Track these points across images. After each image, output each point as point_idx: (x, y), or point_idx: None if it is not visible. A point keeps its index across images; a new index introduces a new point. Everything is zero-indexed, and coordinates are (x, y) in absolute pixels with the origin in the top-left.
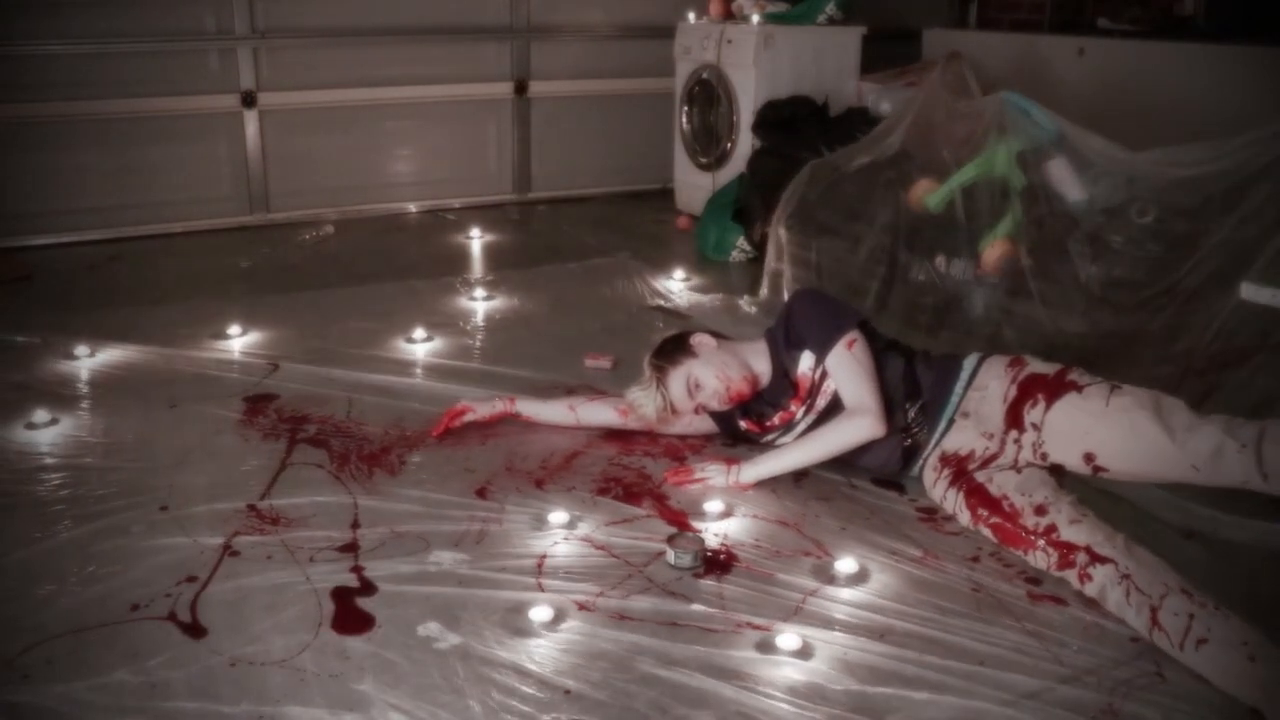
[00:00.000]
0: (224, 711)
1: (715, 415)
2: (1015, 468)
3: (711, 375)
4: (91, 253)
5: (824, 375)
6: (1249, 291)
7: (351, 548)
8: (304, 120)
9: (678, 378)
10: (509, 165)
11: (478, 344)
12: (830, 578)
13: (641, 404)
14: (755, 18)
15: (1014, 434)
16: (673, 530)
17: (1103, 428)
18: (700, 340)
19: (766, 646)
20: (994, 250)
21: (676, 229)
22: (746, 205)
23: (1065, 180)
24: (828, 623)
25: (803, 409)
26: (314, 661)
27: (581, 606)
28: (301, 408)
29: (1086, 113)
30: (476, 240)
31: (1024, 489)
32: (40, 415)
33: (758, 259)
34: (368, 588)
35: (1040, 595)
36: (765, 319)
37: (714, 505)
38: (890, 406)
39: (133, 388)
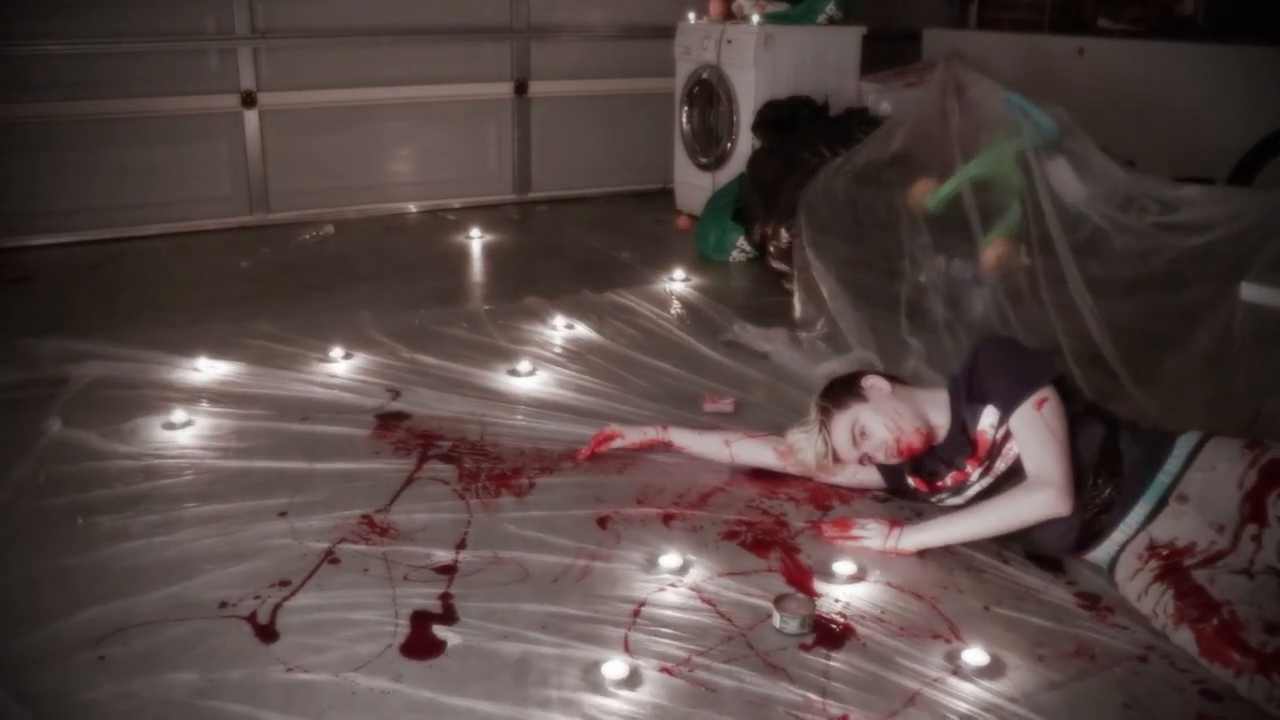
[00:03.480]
0: (267, 717)
1: (882, 467)
2: (1249, 571)
3: (880, 424)
4: (91, 253)
5: (1007, 436)
6: (1249, 292)
7: (449, 569)
8: (304, 120)
9: (842, 423)
10: (509, 165)
11: (582, 379)
12: (956, 668)
13: (801, 448)
14: (755, 18)
15: (1252, 528)
16: (787, 589)
17: None
18: (872, 384)
19: None
20: (994, 250)
21: (676, 229)
22: (746, 205)
23: (1065, 180)
24: None
25: (979, 471)
26: (368, 679)
27: (664, 669)
28: (434, 426)
29: (1086, 113)
30: (476, 240)
31: (1255, 599)
32: (179, 415)
33: (758, 259)
34: (449, 615)
35: (1215, 718)
36: (832, 350)
37: (845, 566)
38: (1079, 480)
39: (264, 400)
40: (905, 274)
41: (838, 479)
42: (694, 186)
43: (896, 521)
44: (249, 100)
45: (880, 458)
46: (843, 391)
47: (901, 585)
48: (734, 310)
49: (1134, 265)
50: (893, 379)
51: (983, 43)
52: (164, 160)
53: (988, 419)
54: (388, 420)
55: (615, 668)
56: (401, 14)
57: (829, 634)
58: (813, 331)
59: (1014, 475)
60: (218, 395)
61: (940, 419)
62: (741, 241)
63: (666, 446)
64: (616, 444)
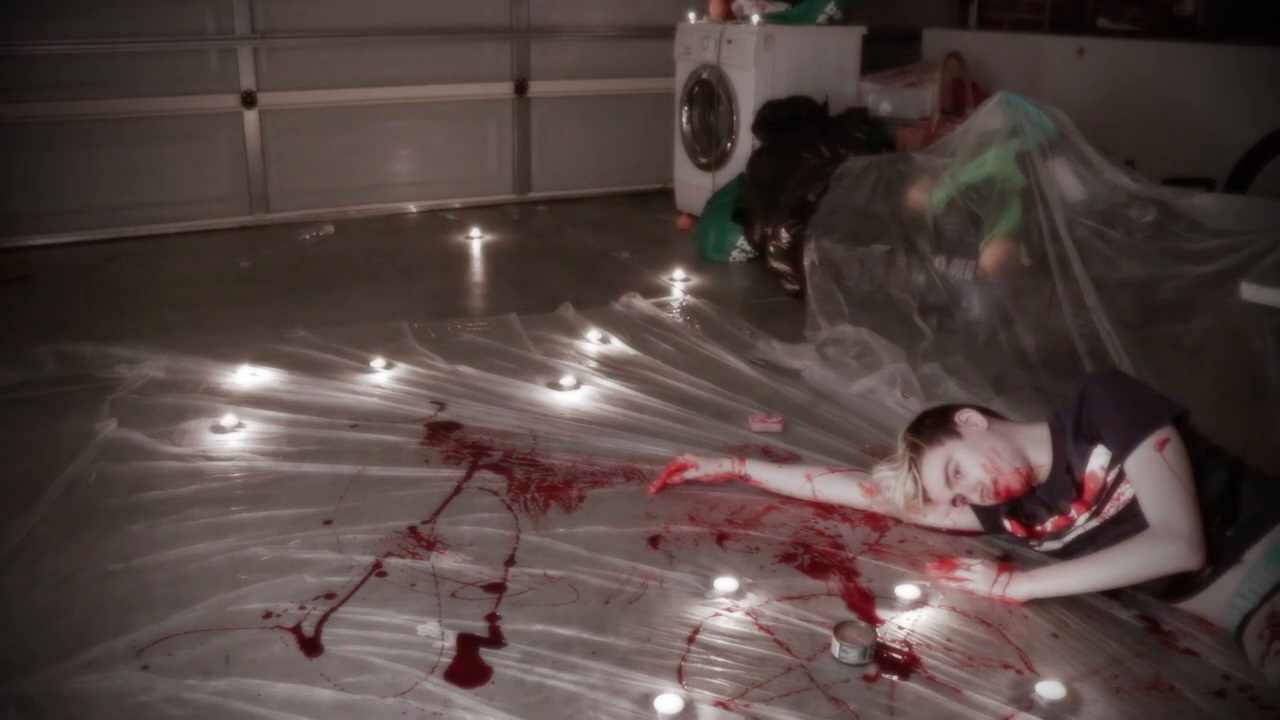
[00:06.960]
0: None
1: (977, 509)
2: None
3: (976, 463)
4: (91, 253)
5: (1120, 479)
6: (1249, 292)
7: (497, 588)
8: (304, 120)
9: (935, 461)
10: (509, 165)
11: (625, 393)
12: (1029, 702)
13: (889, 487)
14: (755, 18)
15: None
16: (848, 615)
17: None
18: (967, 419)
19: None
20: (994, 250)
21: (676, 229)
22: (746, 205)
23: (1065, 180)
24: None
25: (1086, 515)
26: (415, 703)
27: (719, 703)
28: (484, 438)
29: (1086, 113)
30: (476, 240)
31: None
32: (229, 419)
33: (758, 259)
34: (495, 639)
35: None
36: (864, 368)
37: (907, 590)
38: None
39: (312, 407)
40: (922, 332)
41: (928, 519)
42: (694, 186)
43: (1005, 566)
44: (249, 100)
45: (975, 499)
46: (934, 427)
47: (966, 610)
48: (736, 310)
49: (1134, 263)
50: (988, 413)
51: (983, 43)
52: (164, 160)
53: (1098, 460)
54: (438, 430)
55: (669, 702)
56: (401, 14)
57: (893, 664)
58: (840, 348)
59: (1123, 520)
60: (265, 400)
61: (1042, 458)
62: (741, 241)
63: (744, 480)
64: (690, 474)
